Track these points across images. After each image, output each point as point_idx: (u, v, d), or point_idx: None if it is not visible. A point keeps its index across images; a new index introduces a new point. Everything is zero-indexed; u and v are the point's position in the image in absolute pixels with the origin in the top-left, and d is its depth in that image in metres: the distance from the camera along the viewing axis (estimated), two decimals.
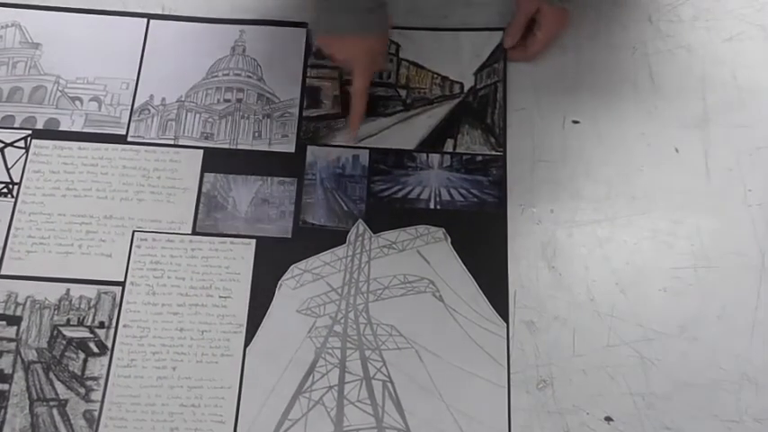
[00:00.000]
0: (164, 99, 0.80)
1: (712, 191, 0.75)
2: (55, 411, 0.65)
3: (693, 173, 0.76)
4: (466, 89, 0.81)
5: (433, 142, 0.79)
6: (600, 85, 0.79)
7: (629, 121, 0.78)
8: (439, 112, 0.80)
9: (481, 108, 0.80)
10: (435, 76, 0.82)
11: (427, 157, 0.78)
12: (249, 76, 0.81)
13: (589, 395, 0.67)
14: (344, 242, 0.74)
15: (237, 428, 0.66)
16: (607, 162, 0.76)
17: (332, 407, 0.67)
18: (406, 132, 0.79)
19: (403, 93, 0.81)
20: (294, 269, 0.73)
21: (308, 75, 0.81)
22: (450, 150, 0.78)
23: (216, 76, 0.81)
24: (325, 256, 0.74)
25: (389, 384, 0.68)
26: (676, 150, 0.77)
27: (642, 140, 0.77)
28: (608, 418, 0.66)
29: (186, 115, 0.79)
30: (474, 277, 0.72)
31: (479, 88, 0.81)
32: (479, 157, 0.78)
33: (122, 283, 0.71)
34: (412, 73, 0.82)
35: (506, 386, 0.68)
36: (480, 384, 0.68)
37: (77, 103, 0.79)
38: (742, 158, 0.76)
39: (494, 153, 0.78)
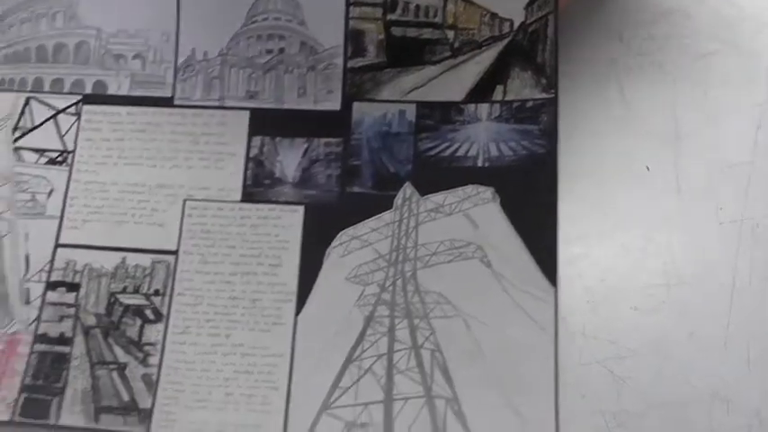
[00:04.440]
0: (206, 53, 0.78)
1: (684, 208, 0.72)
2: (115, 374, 0.69)
3: (665, 190, 0.73)
4: (515, 26, 0.76)
5: (481, 91, 0.75)
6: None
7: (600, 138, 0.75)
8: (487, 57, 0.76)
9: (531, 47, 0.76)
10: (484, 12, 0.77)
11: (475, 108, 0.75)
12: (289, 20, 0.78)
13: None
14: (391, 206, 0.74)
15: (290, 395, 0.68)
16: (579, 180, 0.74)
17: (381, 375, 0.68)
18: (453, 82, 0.76)
19: (450, 35, 0.77)
20: (342, 236, 0.73)
21: (351, 15, 0.78)
22: (500, 98, 0.75)
23: (255, 21, 0.79)
24: (373, 221, 0.73)
25: (437, 354, 0.68)
26: (647, 168, 0.73)
27: (613, 158, 0.74)
28: None
29: (230, 72, 0.77)
30: (523, 239, 0.71)
31: (529, 23, 0.76)
32: (530, 103, 0.75)
33: (175, 252, 0.72)
34: (460, 9, 0.77)
35: (553, 355, 0.68)
36: (527, 352, 0.68)
37: (121, 61, 0.78)
38: (713, 176, 0.72)
39: (544, 96, 0.74)
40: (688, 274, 0.70)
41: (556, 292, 0.69)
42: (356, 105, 0.76)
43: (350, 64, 0.77)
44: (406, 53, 0.77)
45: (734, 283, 0.70)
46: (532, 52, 0.75)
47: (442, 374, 0.68)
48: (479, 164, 0.74)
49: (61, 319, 0.70)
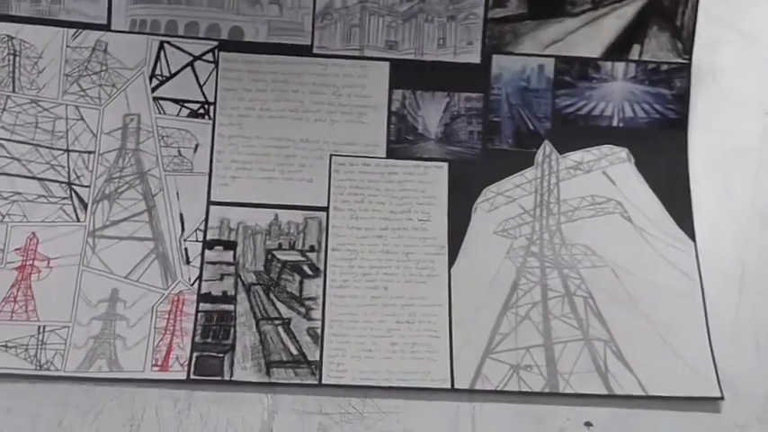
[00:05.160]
0: (345, 0, 0.76)
1: (693, 196, 0.75)
2: (280, 329, 0.70)
3: None
4: None
5: (618, 48, 0.77)
6: None
7: None
8: (628, 11, 0.77)
9: (672, 7, 0.76)
10: None
11: (612, 66, 0.77)
12: None
13: None
14: (531, 163, 0.75)
15: (453, 341, 0.70)
16: None
17: (538, 321, 0.71)
18: (592, 36, 0.77)
19: None
20: (487, 192, 0.74)
21: None
22: (636, 58, 0.77)
23: None
24: (516, 178, 0.75)
25: (590, 300, 0.72)
26: None
27: None
28: (587, 424, 0.69)
29: (369, 20, 0.76)
30: (658, 197, 0.75)
31: None
32: (664, 66, 0.77)
33: (326, 209, 0.73)
34: None
35: (702, 300, 0.72)
36: (675, 297, 0.72)
37: (257, 6, 0.75)
38: (723, 164, 0.76)
39: (679, 61, 0.77)
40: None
41: (695, 246, 0.74)
42: (495, 59, 0.76)
43: (490, 14, 0.76)
44: (547, 3, 0.76)
45: (743, 272, 0.74)
46: (672, 13, 0.76)
47: (596, 318, 0.71)
48: (614, 124, 0.76)
49: (222, 277, 0.70)
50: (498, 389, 0.68)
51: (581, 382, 0.68)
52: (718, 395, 0.68)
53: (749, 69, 0.79)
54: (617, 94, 0.76)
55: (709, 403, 0.68)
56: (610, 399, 0.68)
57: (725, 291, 0.73)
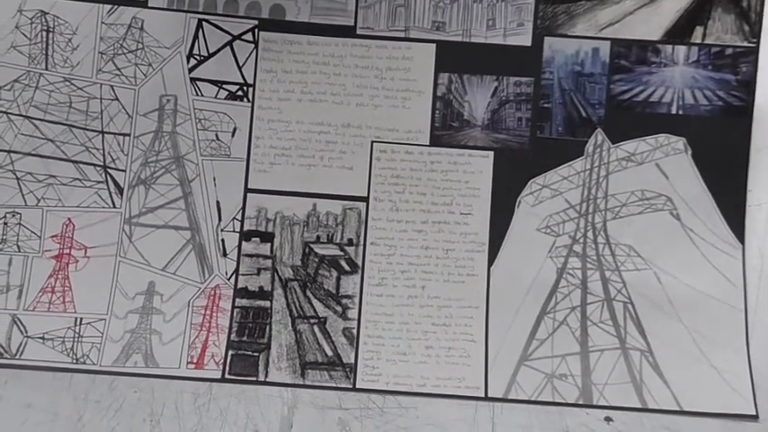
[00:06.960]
0: None
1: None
2: (316, 328, 0.69)
3: None
4: None
5: (679, 31, 0.71)
6: None
7: None
8: None
9: None
10: None
11: (673, 50, 0.72)
12: None
13: None
14: (582, 154, 0.72)
15: (488, 346, 0.69)
16: None
17: (576, 327, 0.70)
18: (651, 17, 0.72)
19: None
20: (533, 185, 0.71)
21: None
22: (699, 41, 0.72)
23: None
24: (563, 170, 0.72)
25: (630, 306, 0.70)
26: None
27: None
28: (608, 419, 0.68)
29: None
30: (712, 194, 0.71)
31: None
32: (729, 50, 0.72)
33: (366, 199, 0.70)
34: None
35: (743, 309, 0.70)
36: (716, 306, 0.70)
37: None
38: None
39: (746, 45, 0.71)
40: None
41: (743, 249, 0.71)
42: (548, 41, 0.72)
43: None
44: None
45: (762, 265, 0.72)
46: None
47: (635, 326, 0.70)
48: (673, 111, 0.72)
49: (259, 271, 0.69)
50: (532, 398, 0.67)
51: (615, 393, 0.68)
52: (753, 413, 0.67)
53: None
54: (677, 80, 0.72)
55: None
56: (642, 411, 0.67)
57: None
